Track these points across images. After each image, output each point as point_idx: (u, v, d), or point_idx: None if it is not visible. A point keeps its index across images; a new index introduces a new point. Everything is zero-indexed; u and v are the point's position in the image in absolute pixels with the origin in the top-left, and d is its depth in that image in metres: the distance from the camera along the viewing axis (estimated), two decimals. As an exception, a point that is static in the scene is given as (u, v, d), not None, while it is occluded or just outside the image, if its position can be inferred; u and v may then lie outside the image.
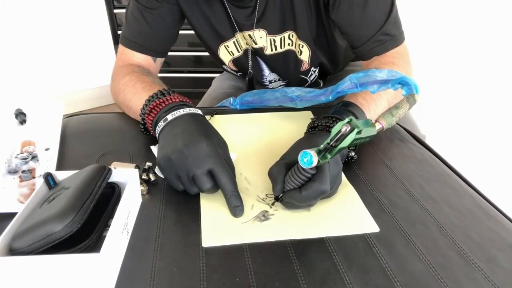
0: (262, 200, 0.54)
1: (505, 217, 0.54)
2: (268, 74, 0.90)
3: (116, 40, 1.90)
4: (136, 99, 0.68)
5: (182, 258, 0.45)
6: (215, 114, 0.76)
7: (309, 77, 0.89)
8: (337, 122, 0.57)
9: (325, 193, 0.49)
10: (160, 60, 0.84)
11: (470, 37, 1.62)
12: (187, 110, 0.59)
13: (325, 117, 0.59)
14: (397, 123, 0.74)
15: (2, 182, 0.57)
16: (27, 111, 0.72)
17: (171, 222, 0.51)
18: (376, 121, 0.50)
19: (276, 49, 0.82)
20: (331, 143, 0.48)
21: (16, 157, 0.61)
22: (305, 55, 0.82)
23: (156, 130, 0.60)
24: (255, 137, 0.69)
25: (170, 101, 0.61)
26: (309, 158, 0.47)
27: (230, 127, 0.72)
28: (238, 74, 0.94)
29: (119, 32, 1.88)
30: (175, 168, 0.53)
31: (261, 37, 0.81)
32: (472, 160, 1.44)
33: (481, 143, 1.63)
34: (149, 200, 0.55)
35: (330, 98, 0.63)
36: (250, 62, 0.87)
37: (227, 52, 0.86)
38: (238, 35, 0.82)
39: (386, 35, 0.71)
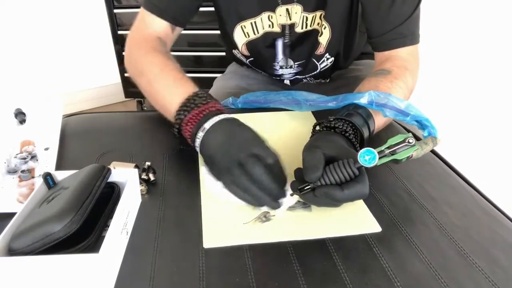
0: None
1: (506, 217, 0.53)
2: (281, 59, 0.89)
3: (116, 40, 1.90)
4: (168, 94, 0.65)
5: (181, 258, 0.45)
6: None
7: (320, 64, 0.88)
8: (351, 127, 0.57)
9: (365, 197, 0.49)
10: (178, 31, 0.84)
11: (470, 37, 1.62)
12: (222, 117, 0.58)
13: (339, 118, 0.59)
14: (397, 122, 0.74)
15: (1, 182, 0.57)
16: (27, 111, 0.72)
17: (170, 222, 0.51)
18: None
19: (306, 27, 0.82)
20: (388, 151, 0.48)
21: (15, 157, 0.61)
22: (324, 37, 0.83)
23: (196, 142, 0.59)
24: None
25: (207, 111, 0.60)
26: (372, 157, 0.47)
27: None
28: (247, 60, 0.93)
29: (119, 32, 1.89)
30: (224, 164, 0.53)
31: (296, 13, 0.81)
32: (472, 160, 1.44)
33: (481, 142, 1.63)
34: (149, 200, 0.55)
35: (341, 105, 0.63)
36: (266, 46, 0.86)
37: (243, 33, 0.86)
38: (264, 14, 0.81)
39: (407, 30, 0.72)
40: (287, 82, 0.95)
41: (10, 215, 0.43)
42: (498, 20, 1.55)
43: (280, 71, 0.92)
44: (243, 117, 0.76)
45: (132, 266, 0.44)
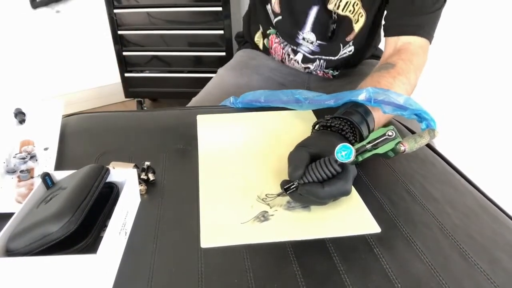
0: (262, 201, 0.54)
1: (509, 218, 0.53)
2: (307, 31, 0.89)
3: (116, 40, 1.90)
4: None
5: (180, 259, 0.45)
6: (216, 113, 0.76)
7: (343, 49, 0.89)
8: (349, 125, 0.57)
9: (346, 194, 0.50)
10: None
11: (473, 36, 1.62)
12: None
13: (336, 117, 0.59)
14: (398, 121, 0.74)
15: (0, 182, 0.56)
16: (27, 111, 0.72)
17: (169, 223, 0.50)
18: (401, 143, 0.50)
19: (338, 8, 0.83)
20: (367, 145, 0.47)
21: (14, 157, 0.61)
22: (358, 25, 0.85)
23: None
24: (254, 137, 0.69)
25: None
26: (348, 152, 0.46)
27: (230, 126, 0.71)
28: (275, 20, 0.92)
29: (119, 32, 1.89)
30: None
31: None
32: (475, 160, 1.43)
33: (484, 142, 1.62)
34: (148, 200, 0.54)
35: (340, 103, 0.63)
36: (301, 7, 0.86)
37: None
38: None
39: (424, 23, 0.74)
40: (299, 57, 0.94)
41: (9, 216, 0.43)
42: (501, 17, 1.55)
43: (301, 41, 0.92)
44: (244, 117, 0.76)
45: (131, 267, 0.44)
